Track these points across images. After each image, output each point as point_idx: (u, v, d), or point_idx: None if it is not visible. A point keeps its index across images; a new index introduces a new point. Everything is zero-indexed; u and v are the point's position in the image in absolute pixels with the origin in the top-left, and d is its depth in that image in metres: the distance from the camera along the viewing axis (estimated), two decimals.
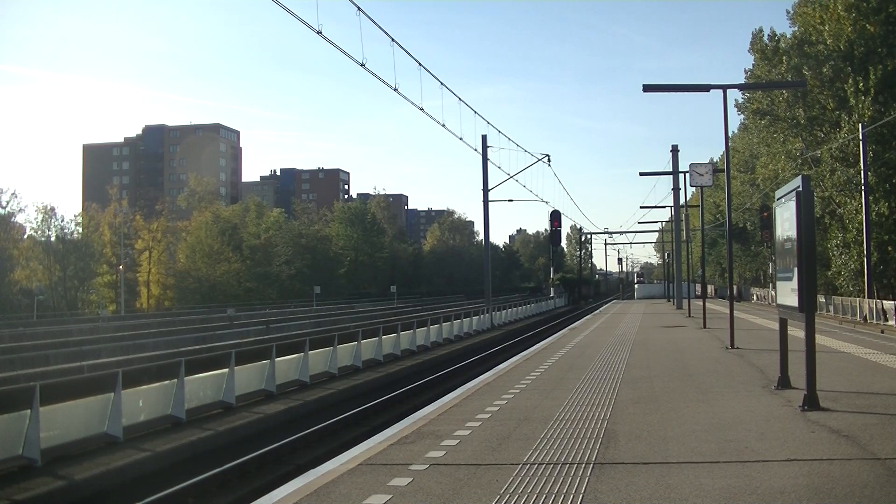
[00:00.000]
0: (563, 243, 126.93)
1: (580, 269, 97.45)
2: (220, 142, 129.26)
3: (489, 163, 39.68)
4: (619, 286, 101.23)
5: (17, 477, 9.18)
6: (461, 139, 34.02)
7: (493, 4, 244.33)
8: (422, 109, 27.67)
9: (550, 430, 7.83)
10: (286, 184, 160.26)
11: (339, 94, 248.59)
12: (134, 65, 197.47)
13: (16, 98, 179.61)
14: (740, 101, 44.82)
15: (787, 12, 40.46)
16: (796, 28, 39.41)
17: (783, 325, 10.09)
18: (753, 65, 43.10)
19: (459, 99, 30.90)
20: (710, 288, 67.68)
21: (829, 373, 11.09)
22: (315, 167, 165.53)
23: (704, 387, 10.75)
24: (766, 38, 42.43)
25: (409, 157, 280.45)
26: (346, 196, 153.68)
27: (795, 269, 8.64)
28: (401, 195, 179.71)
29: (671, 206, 45.91)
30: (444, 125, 30.50)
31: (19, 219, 69.86)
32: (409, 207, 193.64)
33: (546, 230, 58.78)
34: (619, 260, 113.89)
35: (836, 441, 6.88)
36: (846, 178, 35.45)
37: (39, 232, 71.25)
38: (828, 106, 37.27)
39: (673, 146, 40.29)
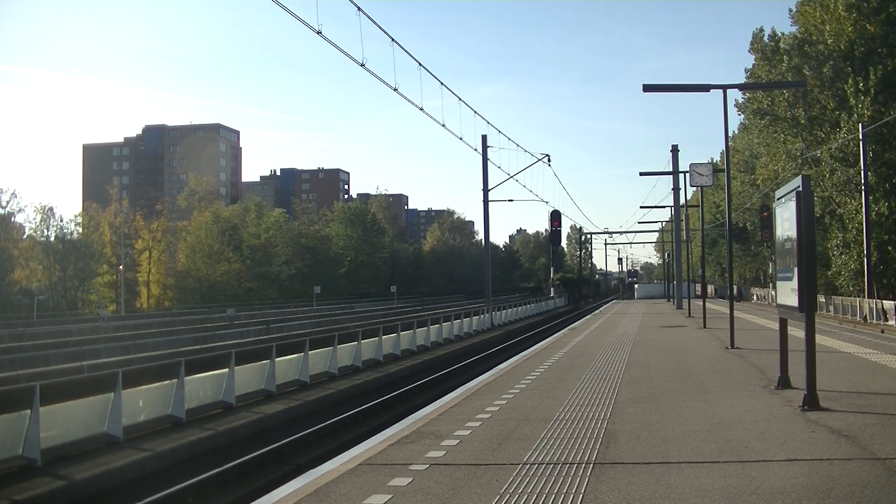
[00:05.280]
0: (563, 243, 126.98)
1: (580, 269, 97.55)
2: (220, 142, 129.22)
3: (489, 163, 39.78)
4: (619, 286, 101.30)
5: (17, 477, 9.17)
6: (461, 139, 34.10)
7: (493, 4, 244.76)
8: (422, 109, 27.74)
9: (550, 429, 7.83)
10: (286, 184, 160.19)
11: (339, 94, 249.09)
12: (134, 65, 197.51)
13: (16, 98, 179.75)
14: (740, 101, 44.96)
15: (790, 11, 40.54)
16: (797, 28, 39.44)
17: (783, 324, 10.08)
18: (754, 65, 43.11)
19: (459, 99, 30.97)
20: (710, 288, 67.70)
21: (829, 373, 11.08)
22: (315, 167, 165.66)
23: (704, 387, 10.74)
24: (766, 38, 42.46)
25: (409, 157, 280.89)
26: (346, 196, 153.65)
27: (795, 269, 8.64)
28: (401, 195, 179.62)
29: (671, 206, 45.94)
30: (444, 125, 30.58)
31: (19, 219, 70.01)
32: (409, 207, 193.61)
33: (546, 230, 58.84)
34: (620, 260, 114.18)
35: (837, 441, 6.87)
36: (846, 178, 35.47)
37: (39, 232, 71.33)
38: (828, 106, 37.28)
39: (673, 146, 40.34)
